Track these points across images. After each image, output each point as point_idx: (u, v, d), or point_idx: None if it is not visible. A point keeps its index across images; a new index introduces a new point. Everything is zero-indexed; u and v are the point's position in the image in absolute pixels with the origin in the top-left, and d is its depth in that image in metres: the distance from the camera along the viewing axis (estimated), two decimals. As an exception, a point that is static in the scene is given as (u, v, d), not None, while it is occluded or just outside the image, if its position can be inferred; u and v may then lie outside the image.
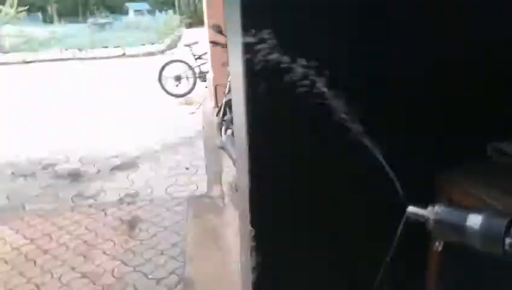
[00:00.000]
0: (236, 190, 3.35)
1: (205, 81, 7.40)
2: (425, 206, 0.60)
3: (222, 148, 4.68)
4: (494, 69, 1.11)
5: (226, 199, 3.64)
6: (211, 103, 6.66)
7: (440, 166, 1.11)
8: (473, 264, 0.84)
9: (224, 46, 4.57)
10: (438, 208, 0.60)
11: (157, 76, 7.60)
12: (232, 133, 4.26)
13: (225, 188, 3.87)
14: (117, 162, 4.64)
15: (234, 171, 4.15)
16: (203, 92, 7.39)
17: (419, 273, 1.18)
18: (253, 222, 1.08)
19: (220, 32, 4.34)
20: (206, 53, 7.24)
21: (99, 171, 4.40)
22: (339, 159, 1.08)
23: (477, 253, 0.57)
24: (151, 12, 26.63)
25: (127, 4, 32.10)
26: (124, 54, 16.01)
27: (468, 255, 0.61)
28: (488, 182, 1.03)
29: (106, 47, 16.39)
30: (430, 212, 0.60)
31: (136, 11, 27.64)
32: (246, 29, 0.94)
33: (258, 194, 1.06)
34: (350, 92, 0.80)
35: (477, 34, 1.08)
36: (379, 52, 1.06)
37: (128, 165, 4.55)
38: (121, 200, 3.68)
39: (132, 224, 3.26)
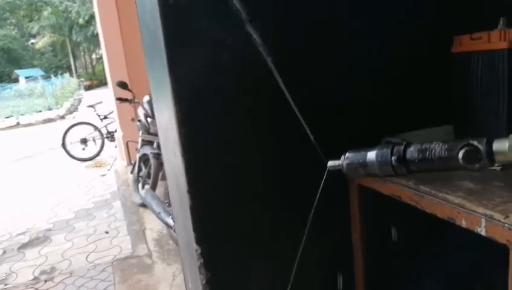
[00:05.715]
0: (177, 244, 3.25)
1: (114, 140, 7.17)
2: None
3: (142, 204, 4.52)
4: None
5: (154, 256, 3.50)
6: (123, 162, 6.45)
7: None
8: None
9: (132, 101, 4.54)
10: (348, 154, 0.77)
11: (60, 142, 7.17)
12: (152, 187, 4.16)
13: (151, 245, 3.73)
14: (25, 239, 4.20)
15: (158, 226, 4.03)
16: (113, 152, 7.13)
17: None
18: (199, 240, 1.09)
19: (126, 88, 4.32)
20: (112, 112, 7.07)
21: (4, 252, 3.94)
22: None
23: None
24: (45, 77, 25.35)
25: (17, 71, 30.27)
26: (18, 124, 14.92)
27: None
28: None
29: (-6, 119, 15.25)
30: (343, 160, 0.76)
31: (27, 77, 26.09)
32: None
33: (199, 212, 1.04)
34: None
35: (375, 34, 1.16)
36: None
37: (39, 240, 4.15)
38: (36, 279, 3.31)
39: (52, 303, 2.94)
